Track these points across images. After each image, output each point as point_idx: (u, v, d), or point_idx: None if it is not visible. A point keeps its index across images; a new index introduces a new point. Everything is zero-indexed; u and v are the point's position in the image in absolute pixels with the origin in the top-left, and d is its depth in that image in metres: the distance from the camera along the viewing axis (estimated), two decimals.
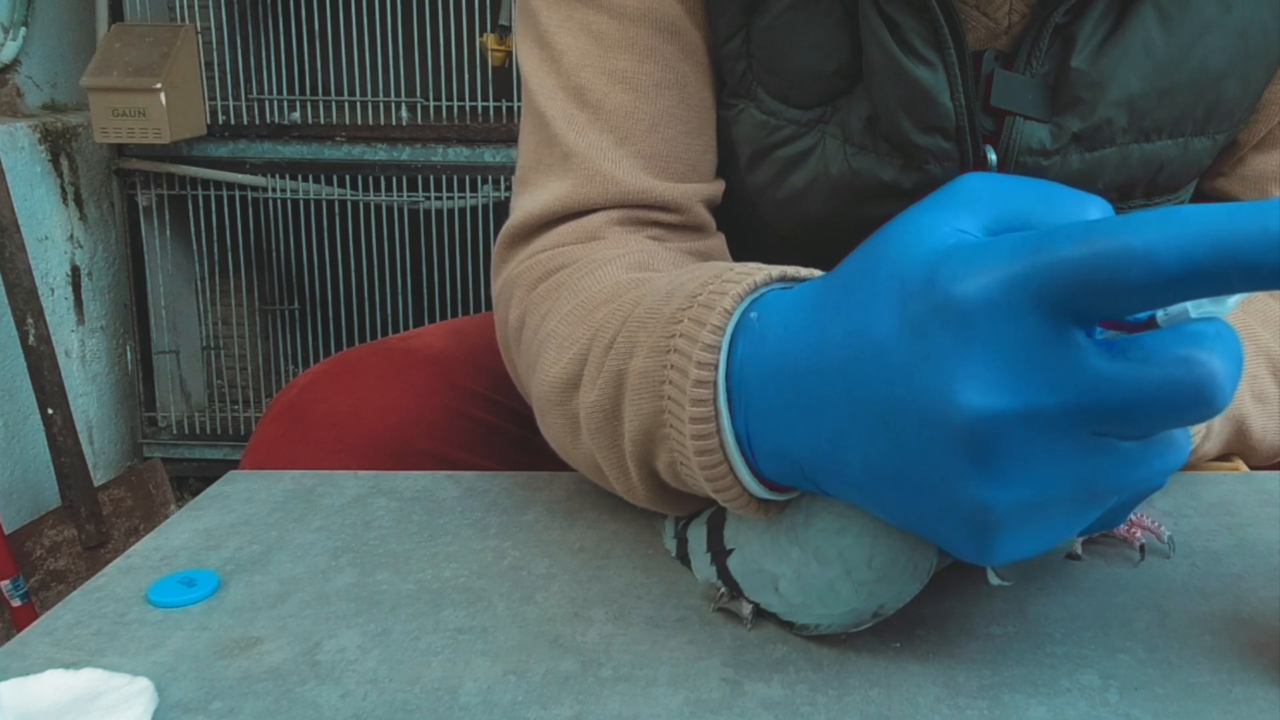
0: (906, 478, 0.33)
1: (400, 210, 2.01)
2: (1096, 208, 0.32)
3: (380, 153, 1.97)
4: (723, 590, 0.43)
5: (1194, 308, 0.30)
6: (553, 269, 0.56)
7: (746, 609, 0.42)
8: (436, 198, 1.98)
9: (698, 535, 0.45)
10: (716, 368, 0.38)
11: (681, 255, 0.58)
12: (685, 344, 0.39)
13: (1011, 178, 0.33)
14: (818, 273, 0.40)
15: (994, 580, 0.39)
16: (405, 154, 1.97)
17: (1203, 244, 0.27)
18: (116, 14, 1.94)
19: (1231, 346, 0.29)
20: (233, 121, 1.98)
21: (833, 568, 0.38)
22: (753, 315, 0.38)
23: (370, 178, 1.99)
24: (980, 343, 0.30)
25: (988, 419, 0.30)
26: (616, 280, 0.51)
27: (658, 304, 0.42)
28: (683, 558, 0.46)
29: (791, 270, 0.40)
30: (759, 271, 0.40)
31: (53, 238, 1.92)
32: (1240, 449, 0.58)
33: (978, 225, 0.32)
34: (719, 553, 0.43)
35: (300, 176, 1.99)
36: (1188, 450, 0.32)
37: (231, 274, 2.12)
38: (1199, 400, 0.29)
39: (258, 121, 1.99)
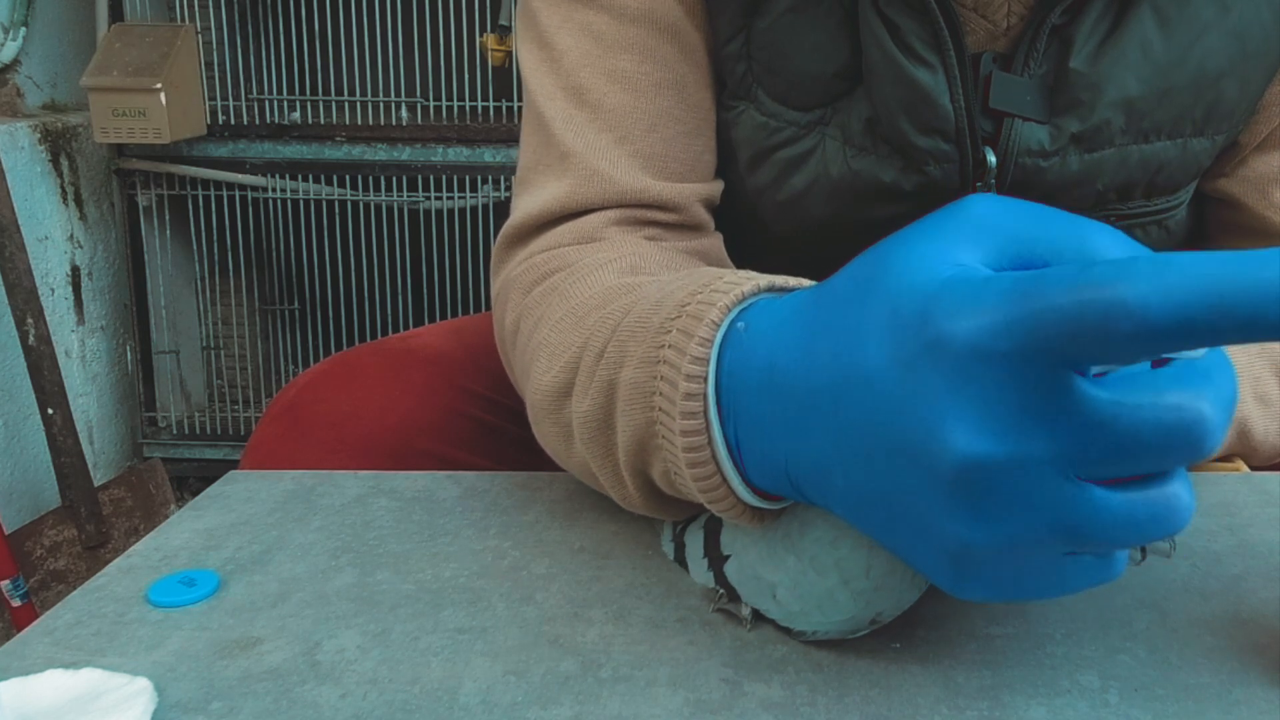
0: (888, 505, 0.33)
1: (400, 210, 2.01)
2: (1105, 236, 0.31)
3: (380, 153, 1.97)
4: (722, 591, 0.43)
5: None
6: (548, 272, 0.56)
7: (746, 610, 0.42)
8: (436, 198, 1.98)
9: (695, 540, 0.45)
10: (705, 379, 0.38)
11: (678, 255, 0.58)
12: (674, 355, 0.39)
13: (1020, 203, 0.32)
14: (807, 282, 0.40)
15: None
16: (405, 154, 1.97)
17: (1197, 297, 0.26)
18: (116, 14, 1.94)
19: (1221, 385, 0.29)
20: (233, 121, 1.98)
21: (830, 577, 0.38)
22: (740, 325, 0.38)
23: (370, 178, 1.99)
24: (971, 385, 0.29)
25: (975, 463, 0.29)
26: (607, 286, 0.51)
27: (647, 313, 0.42)
28: (680, 561, 0.46)
29: (780, 280, 0.40)
30: (747, 281, 0.39)
31: (53, 238, 1.92)
32: (1242, 450, 0.58)
33: (980, 256, 0.31)
34: (716, 558, 0.43)
35: (300, 176, 1.99)
36: (1185, 521, 0.31)
37: (231, 274, 2.12)
38: (1188, 446, 0.29)
39: (258, 121, 1.99)
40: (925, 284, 0.31)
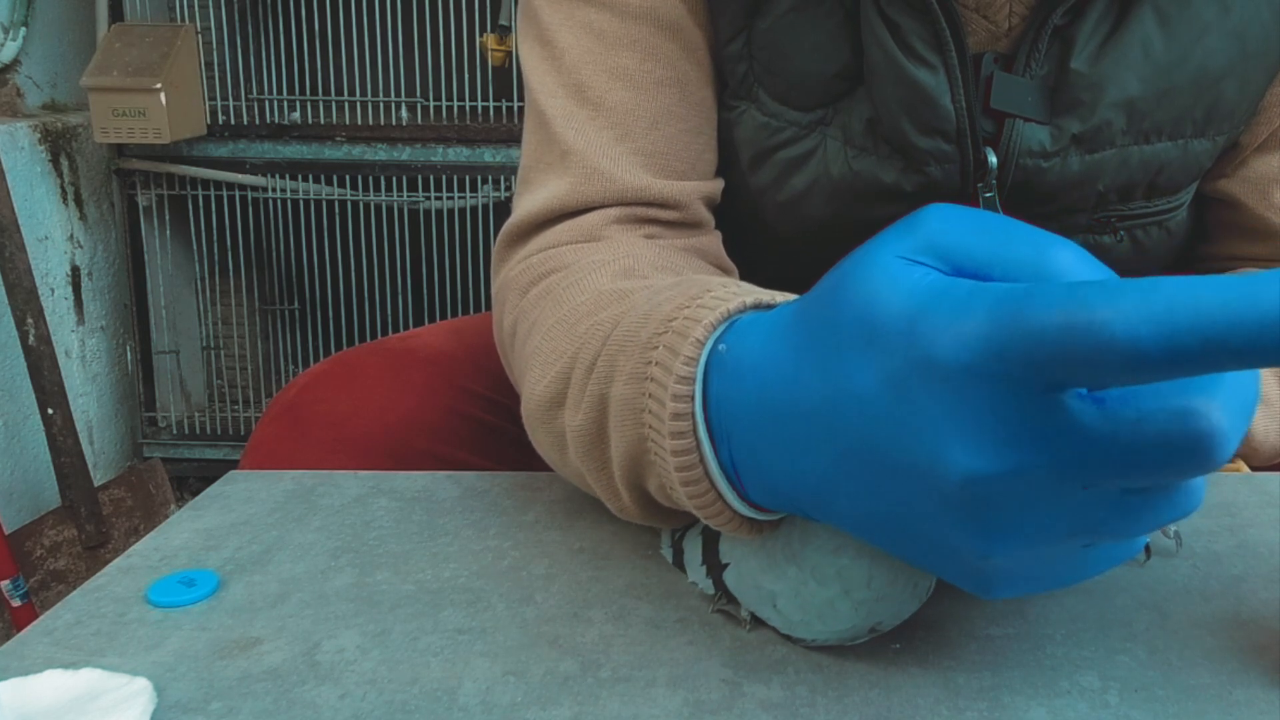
0: (897, 524, 0.32)
1: (400, 210, 2.01)
2: (1063, 251, 0.30)
3: (380, 153, 1.97)
4: (721, 593, 0.43)
5: None
6: (544, 273, 0.56)
7: (745, 611, 0.42)
8: (436, 198, 1.98)
9: (693, 547, 0.45)
10: (692, 399, 0.37)
11: (676, 254, 0.58)
12: (661, 373, 0.38)
13: (977, 212, 0.32)
14: (793, 297, 0.39)
15: None
16: (405, 154, 1.97)
17: (1189, 328, 0.24)
18: (116, 14, 1.94)
19: (1239, 385, 0.27)
20: (233, 121, 1.98)
21: (831, 587, 0.38)
22: (721, 347, 0.37)
23: (370, 178, 1.99)
24: (966, 405, 0.28)
25: (978, 481, 0.29)
26: (600, 291, 0.50)
27: (636, 325, 0.42)
28: (679, 566, 0.46)
29: (767, 296, 0.39)
30: (734, 298, 0.39)
31: (53, 238, 1.91)
32: (1242, 450, 0.58)
33: (942, 265, 0.31)
34: (714, 566, 0.43)
35: (300, 176, 1.99)
36: (1199, 498, 0.30)
37: (231, 274, 2.12)
38: (1196, 456, 0.27)
39: (258, 121, 1.99)
40: (903, 297, 0.30)
